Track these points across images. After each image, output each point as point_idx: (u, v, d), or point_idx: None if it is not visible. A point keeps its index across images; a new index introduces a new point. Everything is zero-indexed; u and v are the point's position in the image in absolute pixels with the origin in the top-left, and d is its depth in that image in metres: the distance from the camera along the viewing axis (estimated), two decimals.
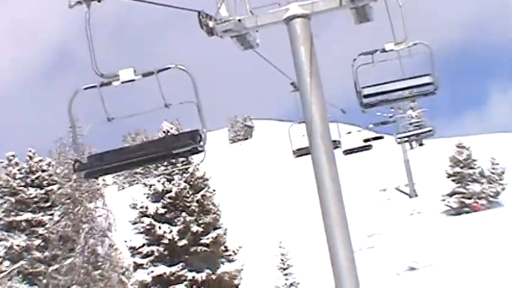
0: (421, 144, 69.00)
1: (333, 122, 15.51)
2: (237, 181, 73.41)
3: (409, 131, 24.45)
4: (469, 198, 41.14)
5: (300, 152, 14.29)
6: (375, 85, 10.64)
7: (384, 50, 10.24)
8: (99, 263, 26.70)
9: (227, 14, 9.53)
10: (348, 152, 18.79)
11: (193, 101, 6.48)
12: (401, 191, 53.53)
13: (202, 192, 27.22)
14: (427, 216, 42.52)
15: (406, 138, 26.48)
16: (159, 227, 26.24)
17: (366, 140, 22.29)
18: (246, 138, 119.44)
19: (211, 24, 9.42)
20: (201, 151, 6.71)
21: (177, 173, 27.06)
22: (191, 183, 27.23)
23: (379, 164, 60.24)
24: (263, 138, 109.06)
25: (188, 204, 26.65)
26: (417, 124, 36.09)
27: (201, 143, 6.62)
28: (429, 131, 23.01)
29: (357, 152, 19.08)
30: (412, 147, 66.29)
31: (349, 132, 18.80)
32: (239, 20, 9.62)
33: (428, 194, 47.99)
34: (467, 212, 40.57)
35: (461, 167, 42.24)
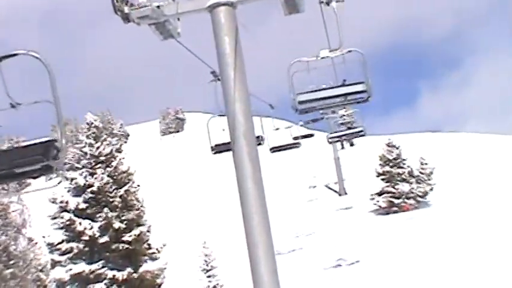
0: (352, 145, 69.28)
1: (261, 117, 14.92)
2: (166, 175, 72.28)
3: (341, 131, 24.26)
4: (398, 198, 41.14)
5: (219, 148, 13.61)
6: (309, 92, 10.80)
7: (318, 57, 10.46)
8: (12, 262, 25.26)
9: None
10: (275, 149, 18.13)
11: (51, 101, 5.11)
12: (331, 189, 53.43)
13: (126, 187, 26.11)
14: (356, 215, 42.38)
15: (337, 139, 26.37)
16: (80, 223, 25.01)
17: (295, 138, 21.76)
18: (178, 131, 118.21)
19: (126, 9, 8.50)
20: (56, 170, 5.01)
21: (100, 167, 25.93)
22: (115, 177, 26.09)
23: (309, 161, 60.14)
24: (194, 131, 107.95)
25: (111, 200, 25.50)
26: (348, 124, 36.10)
27: (58, 159, 4.95)
28: (360, 131, 22.84)
29: (285, 149, 18.45)
30: (343, 147, 66.44)
31: (277, 129, 18.09)
32: (158, 7, 8.73)
33: (358, 192, 47.94)
34: (395, 212, 40.58)
35: (391, 166, 42.22)
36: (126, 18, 8.69)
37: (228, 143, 9.84)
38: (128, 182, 26.46)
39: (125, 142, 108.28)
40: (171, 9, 8.95)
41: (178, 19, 9.34)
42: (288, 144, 18.49)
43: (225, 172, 58.11)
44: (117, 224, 25.01)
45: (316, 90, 11.00)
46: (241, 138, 8.59)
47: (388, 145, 42.98)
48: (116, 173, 26.20)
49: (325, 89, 10.94)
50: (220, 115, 13.68)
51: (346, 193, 50.82)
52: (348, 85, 10.89)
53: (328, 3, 10.13)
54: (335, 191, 52.31)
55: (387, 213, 40.88)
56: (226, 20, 8.63)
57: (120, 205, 25.52)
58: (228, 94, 8.70)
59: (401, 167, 42.23)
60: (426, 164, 42.97)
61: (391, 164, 42.29)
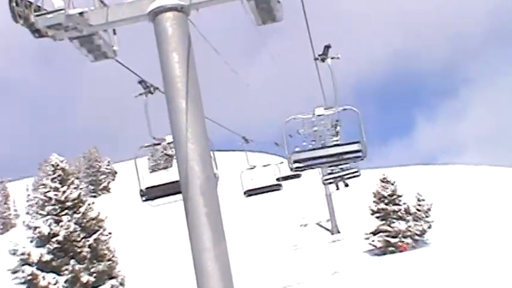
0: (346, 185, 66.70)
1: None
2: (145, 219, 69.38)
3: (336, 173, 22.19)
4: (394, 237, 38.58)
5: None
6: (304, 151, 10.87)
7: (314, 115, 10.81)
8: None
9: (62, 3, 6.22)
10: (249, 193, 15.74)
11: None
12: (323, 227, 50.93)
13: (95, 236, 23.59)
14: (350, 255, 39.76)
15: (332, 180, 24.44)
16: (43, 277, 22.42)
17: (278, 179, 19.81)
18: (166, 167, 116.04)
19: (32, 17, 6.10)
20: None
21: (66, 213, 23.41)
22: (83, 225, 23.57)
23: (299, 197, 57.70)
24: None
25: (78, 250, 22.95)
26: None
27: None
28: (355, 172, 20.73)
29: (261, 193, 15.97)
30: (338, 188, 64.11)
31: (252, 167, 15.62)
32: (80, 13, 6.34)
33: (352, 231, 45.57)
34: (392, 252, 38.01)
35: (386, 203, 39.75)
36: (35, 29, 6.25)
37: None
38: (98, 230, 23.93)
39: (113, 180, 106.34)
40: (99, 16, 6.52)
41: (114, 32, 6.95)
42: (264, 187, 16.04)
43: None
44: (85, 277, 22.47)
45: (311, 150, 11.05)
46: (197, 194, 6.27)
47: (382, 181, 40.51)
48: (85, 220, 23.72)
49: (320, 148, 11.07)
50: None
51: (339, 231, 48.31)
52: (343, 144, 10.92)
53: (323, 60, 10.25)
54: (327, 229, 49.79)
55: (383, 254, 38.28)
56: (174, 31, 6.29)
57: (89, 256, 22.98)
58: (178, 131, 6.37)
59: (397, 204, 39.76)
60: (423, 200, 40.53)
61: (386, 201, 39.81)
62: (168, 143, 9.48)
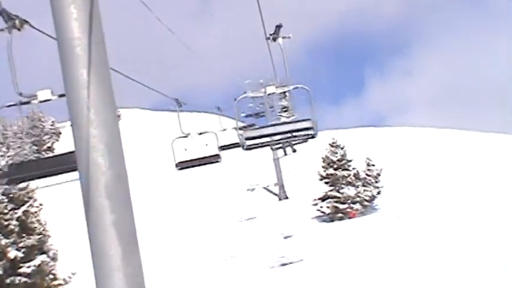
0: (294, 151, 65.67)
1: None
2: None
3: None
4: (343, 203, 37.62)
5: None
6: (256, 128, 11.30)
7: (265, 93, 11.09)
8: None
9: None
10: (181, 166, 14.13)
11: None
12: (271, 192, 49.85)
13: (24, 208, 21.76)
14: (297, 221, 38.73)
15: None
16: None
17: (222, 147, 18.38)
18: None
19: None
20: None
21: None
22: (10, 195, 21.71)
23: (246, 162, 56.37)
24: (130, 128, 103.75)
25: (6, 223, 21.12)
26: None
27: None
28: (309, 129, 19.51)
29: (197, 166, 14.32)
30: (285, 154, 63.08)
31: (185, 135, 13.93)
32: None
33: (300, 196, 44.58)
34: (340, 218, 37.09)
35: (335, 169, 38.70)
36: None
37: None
38: (28, 201, 22.07)
39: (57, 140, 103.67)
40: None
41: None
42: (201, 159, 14.41)
43: (173, 183, 54.27)
44: (13, 253, 20.65)
45: (263, 127, 11.17)
46: (102, 197, 4.79)
47: (331, 145, 39.37)
48: (13, 190, 21.80)
49: (272, 125, 11.06)
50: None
51: (287, 197, 47.29)
52: (294, 122, 11.06)
53: (274, 39, 10.28)
54: (275, 194, 48.73)
55: (332, 220, 37.34)
56: None
57: (17, 229, 21.17)
58: (77, 111, 4.84)
59: (347, 169, 38.74)
60: (373, 165, 39.62)
61: (335, 166, 38.75)
62: (42, 101, 7.70)
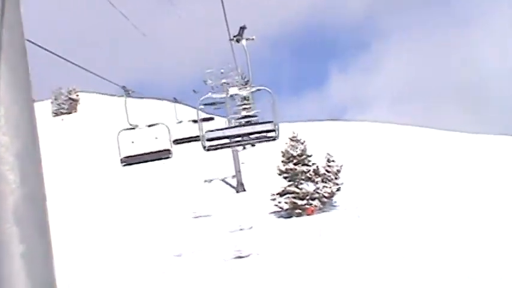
0: (253, 145, 64.72)
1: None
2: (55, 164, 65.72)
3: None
4: (302, 199, 36.93)
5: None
6: (218, 129, 10.95)
7: (228, 95, 11.64)
8: None
9: None
10: (126, 162, 13.15)
11: None
12: (228, 184, 48.98)
13: None
14: (254, 216, 37.95)
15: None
16: None
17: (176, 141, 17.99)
18: (70, 112, 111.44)
19: None
20: None
21: None
22: None
23: (203, 155, 55.40)
24: (88, 113, 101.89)
25: None
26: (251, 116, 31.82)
27: None
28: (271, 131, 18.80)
29: (142, 162, 13.29)
30: (244, 148, 62.10)
31: (132, 127, 12.93)
32: None
33: (257, 190, 43.81)
34: (298, 215, 36.41)
35: (295, 164, 37.98)
36: None
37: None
38: None
39: None
40: None
41: None
42: (148, 154, 13.43)
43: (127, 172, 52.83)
44: None
45: (224, 128, 11.24)
46: (9, 224, 3.93)
47: (292, 139, 38.63)
48: None
49: (234, 127, 11.40)
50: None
51: (244, 189, 46.47)
52: (256, 123, 11.27)
53: (238, 41, 10.40)
54: (232, 186, 47.87)
55: (289, 216, 36.65)
56: None
57: None
58: None
59: (306, 164, 38.05)
60: (333, 161, 39.00)
61: (295, 161, 38.03)
62: None
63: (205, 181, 50.48)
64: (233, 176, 48.22)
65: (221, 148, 11.43)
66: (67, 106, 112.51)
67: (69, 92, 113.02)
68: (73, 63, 8.38)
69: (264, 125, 10.90)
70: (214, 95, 11.58)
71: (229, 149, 47.54)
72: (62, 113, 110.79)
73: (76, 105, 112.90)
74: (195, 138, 22.11)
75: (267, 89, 10.44)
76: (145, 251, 31.03)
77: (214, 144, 11.02)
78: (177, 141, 22.22)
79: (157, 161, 13.25)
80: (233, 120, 33.77)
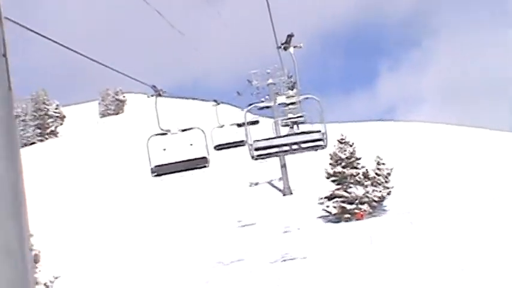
0: None
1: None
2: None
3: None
4: (351, 203, 35.65)
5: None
6: (266, 139, 11.05)
7: (275, 103, 13.17)
8: None
9: None
10: (158, 172, 11.87)
11: None
12: (275, 186, 47.92)
13: None
14: (302, 221, 36.81)
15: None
16: None
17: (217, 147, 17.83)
18: (117, 113, 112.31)
19: None
20: None
21: None
22: None
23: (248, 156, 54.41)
24: (135, 113, 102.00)
25: None
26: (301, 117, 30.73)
27: None
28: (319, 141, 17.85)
29: (178, 172, 11.95)
30: None
31: (164, 132, 11.67)
32: None
33: (305, 194, 42.62)
34: (347, 220, 35.15)
35: (343, 167, 36.69)
36: None
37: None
38: None
39: (61, 124, 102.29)
40: None
41: None
42: (182, 163, 12.07)
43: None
44: None
45: (273, 138, 11.30)
46: None
47: (340, 142, 37.32)
48: None
49: (282, 137, 11.41)
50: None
51: (291, 193, 45.34)
52: (304, 133, 11.16)
53: (285, 49, 10.14)
54: (279, 190, 46.81)
55: (338, 221, 35.42)
56: None
57: None
58: None
59: (355, 167, 36.73)
60: (383, 164, 37.60)
61: (343, 164, 36.74)
62: None
63: (251, 184, 49.52)
64: (280, 179, 47.14)
65: (269, 157, 11.35)
66: (114, 107, 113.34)
67: (116, 93, 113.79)
68: (100, 63, 7.47)
69: (312, 134, 10.94)
70: (261, 104, 11.89)
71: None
72: (109, 114, 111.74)
73: (123, 106, 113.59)
74: (238, 143, 21.14)
75: (315, 97, 10.53)
76: (189, 260, 30.18)
77: (262, 153, 10.98)
78: (219, 147, 21.27)
79: (192, 171, 11.88)
80: (279, 122, 32.64)
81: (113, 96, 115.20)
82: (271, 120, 44.64)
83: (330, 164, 37.07)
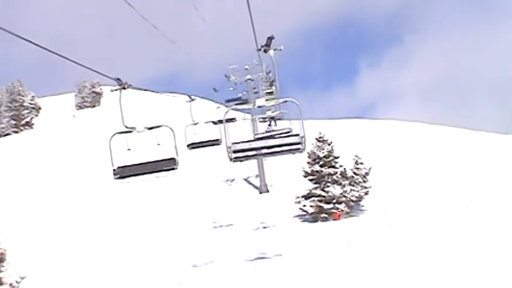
0: None
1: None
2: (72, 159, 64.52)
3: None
4: (328, 203, 35.14)
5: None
6: (244, 141, 11.07)
7: (254, 106, 11.77)
8: None
9: None
10: (120, 174, 10.90)
11: None
12: (251, 184, 47.32)
13: None
14: (278, 220, 36.25)
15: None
16: None
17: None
18: (94, 106, 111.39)
19: None
20: None
21: None
22: None
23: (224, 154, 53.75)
24: (111, 107, 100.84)
25: None
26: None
27: None
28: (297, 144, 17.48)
29: (140, 174, 10.97)
30: None
31: (129, 130, 10.56)
32: None
33: (282, 192, 42.07)
34: (324, 219, 34.64)
35: (321, 165, 36.16)
36: None
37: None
38: None
39: (36, 115, 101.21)
40: None
41: None
42: (145, 165, 11.01)
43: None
44: None
45: (251, 140, 11.05)
46: None
47: (318, 140, 36.78)
48: None
49: (260, 139, 11.09)
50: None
51: (268, 190, 44.77)
52: (283, 136, 11.26)
53: (265, 51, 10.31)
54: (255, 187, 46.21)
55: (315, 220, 34.89)
56: None
57: None
58: None
59: (333, 167, 36.21)
60: (361, 163, 37.16)
61: (321, 163, 36.21)
62: None
63: (227, 181, 48.88)
64: (256, 176, 46.53)
65: (247, 159, 11.14)
66: (90, 99, 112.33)
67: (93, 86, 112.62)
68: (67, 59, 6.88)
69: (290, 138, 10.91)
70: (240, 106, 12.28)
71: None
72: (86, 106, 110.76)
73: (100, 98, 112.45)
74: (213, 142, 20.54)
75: (294, 100, 10.41)
76: (162, 263, 29.41)
77: (240, 155, 10.85)
78: (193, 146, 20.71)
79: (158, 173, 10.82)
80: (257, 119, 32.22)
81: (90, 89, 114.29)
82: (248, 115, 44.16)
83: (308, 162, 36.54)
